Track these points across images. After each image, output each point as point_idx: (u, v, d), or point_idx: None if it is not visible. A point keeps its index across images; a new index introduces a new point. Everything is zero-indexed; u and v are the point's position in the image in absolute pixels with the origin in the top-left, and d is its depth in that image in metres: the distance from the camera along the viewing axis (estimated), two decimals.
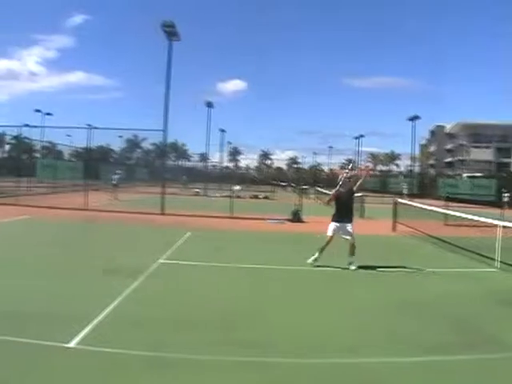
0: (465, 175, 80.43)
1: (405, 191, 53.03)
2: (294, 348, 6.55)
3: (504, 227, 13.43)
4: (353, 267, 12.23)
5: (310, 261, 12.36)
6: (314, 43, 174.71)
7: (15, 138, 46.98)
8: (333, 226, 12.62)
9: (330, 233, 12.55)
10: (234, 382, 5.53)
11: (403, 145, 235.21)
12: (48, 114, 78.25)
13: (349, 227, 12.55)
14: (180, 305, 8.54)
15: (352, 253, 12.42)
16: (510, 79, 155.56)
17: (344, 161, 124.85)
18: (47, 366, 5.57)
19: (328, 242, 12.42)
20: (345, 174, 13.46)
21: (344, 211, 12.72)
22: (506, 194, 40.40)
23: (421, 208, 20.89)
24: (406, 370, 5.97)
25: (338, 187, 13.06)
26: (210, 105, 61.33)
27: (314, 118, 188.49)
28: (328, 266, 12.23)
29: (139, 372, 5.60)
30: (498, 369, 6.07)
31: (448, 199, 27.53)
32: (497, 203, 39.54)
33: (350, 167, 14.04)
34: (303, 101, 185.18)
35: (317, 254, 12.39)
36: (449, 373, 5.93)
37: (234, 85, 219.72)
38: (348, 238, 12.50)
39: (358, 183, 13.40)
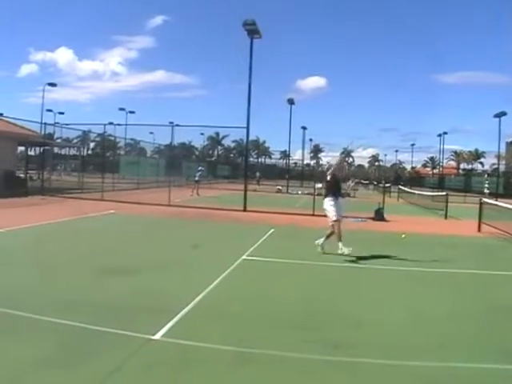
0: None
1: (486, 190, 51.68)
2: (381, 348, 6.39)
3: None
4: (346, 251, 12.57)
5: (345, 252, 12.59)
6: (396, 38, 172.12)
7: (100, 135, 48.13)
8: (333, 206, 13.12)
9: (335, 218, 12.99)
10: (322, 381, 5.42)
11: (488, 142, 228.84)
12: (131, 112, 79.78)
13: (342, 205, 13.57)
14: (263, 301, 8.50)
15: (334, 238, 12.95)
16: None
17: (426, 159, 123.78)
18: (129, 357, 5.65)
19: (339, 228, 12.95)
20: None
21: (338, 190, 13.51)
22: None
23: (508, 208, 20.23)
24: (488, 377, 5.68)
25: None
26: (291, 102, 61.08)
27: (396, 115, 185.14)
28: (409, 266, 12.00)
29: (224, 366, 5.60)
30: None
31: None
32: None
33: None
34: (384, 97, 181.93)
35: (340, 244, 12.81)
36: None
37: (314, 82, 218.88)
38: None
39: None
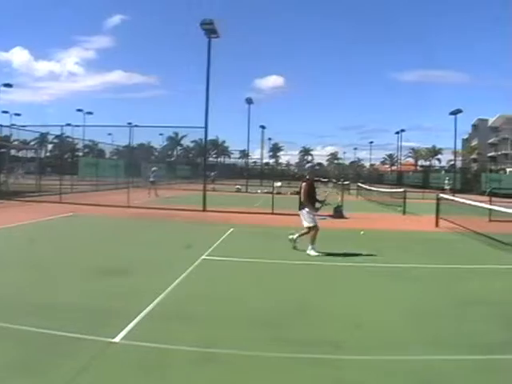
0: (509, 170, 79.25)
1: (447, 186, 52.53)
2: (347, 345, 6.48)
3: None
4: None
5: (313, 254, 12.85)
6: (355, 37, 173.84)
7: (58, 137, 47.50)
8: (310, 214, 13.50)
9: (315, 223, 13.40)
10: (290, 378, 5.47)
11: (445, 139, 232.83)
12: (89, 113, 79.33)
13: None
14: (225, 301, 8.51)
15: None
16: None
17: (385, 156, 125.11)
18: (91, 361, 5.60)
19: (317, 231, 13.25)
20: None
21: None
22: None
23: (464, 203, 20.61)
24: (462, 369, 5.82)
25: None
26: (249, 101, 61.13)
27: (356, 113, 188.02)
28: (370, 262, 12.24)
29: (187, 368, 5.59)
30: None
31: (492, 194, 27.15)
32: None
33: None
34: (344, 96, 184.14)
35: (313, 246, 13.05)
36: (504, 371, 5.79)
37: (272, 81, 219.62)
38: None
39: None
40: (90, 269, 10.42)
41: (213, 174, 65.94)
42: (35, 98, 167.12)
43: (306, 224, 13.32)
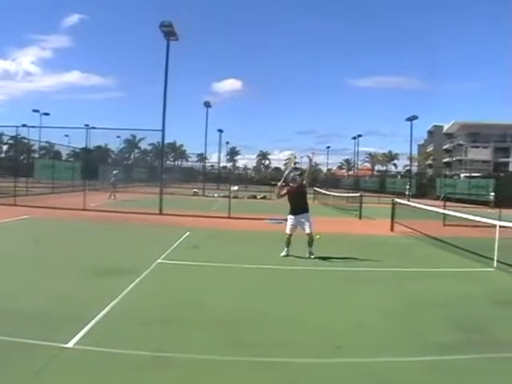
0: (462, 175, 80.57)
1: (407, 192, 53.34)
2: (305, 348, 6.53)
3: (501, 227, 13.41)
4: (312, 256, 13.25)
5: (281, 254, 13.33)
6: (312, 42, 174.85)
7: (13, 138, 46.88)
8: (290, 221, 13.73)
9: (288, 231, 13.62)
10: (245, 381, 5.50)
11: (402, 145, 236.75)
12: (45, 113, 78.36)
13: (305, 218, 13.75)
14: (180, 305, 8.47)
15: (310, 244, 13.50)
16: (506, 78, 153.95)
17: (342, 161, 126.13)
18: (43, 367, 5.51)
19: (289, 239, 13.54)
20: (289, 172, 14.80)
21: (299, 204, 13.77)
22: (491, 194, 42.25)
23: (419, 208, 20.94)
24: (415, 370, 5.94)
25: (282, 182, 14.35)
26: (207, 104, 61.04)
27: (312, 118, 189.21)
28: (326, 266, 12.41)
29: (141, 372, 5.55)
30: (500, 368, 6.06)
31: (446, 199, 27.62)
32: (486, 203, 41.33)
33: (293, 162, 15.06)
34: (301, 100, 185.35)
35: (286, 249, 13.50)
36: (455, 372, 5.92)
37: (230, 84, 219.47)
38: (307, 231, 13.51)
39: (306, 173, 15.13)
40: (43, 273, 10.31)
41: (164, 176, 65.65)
42: None
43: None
